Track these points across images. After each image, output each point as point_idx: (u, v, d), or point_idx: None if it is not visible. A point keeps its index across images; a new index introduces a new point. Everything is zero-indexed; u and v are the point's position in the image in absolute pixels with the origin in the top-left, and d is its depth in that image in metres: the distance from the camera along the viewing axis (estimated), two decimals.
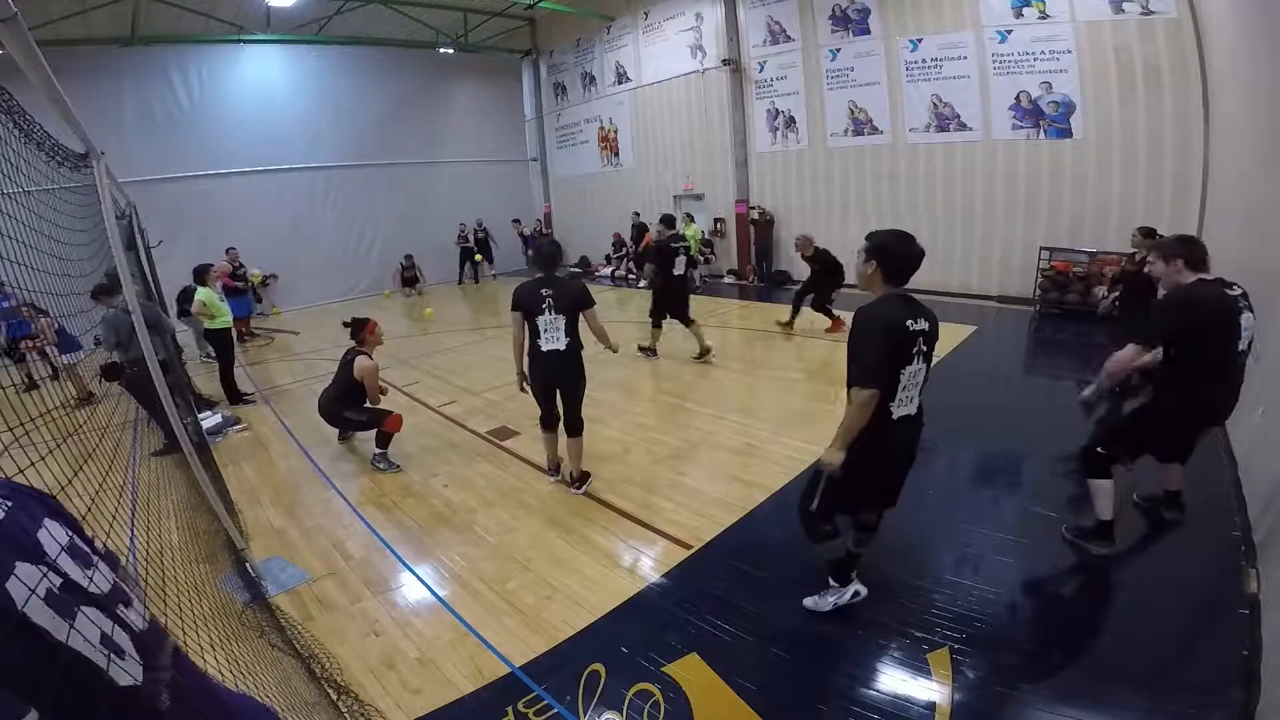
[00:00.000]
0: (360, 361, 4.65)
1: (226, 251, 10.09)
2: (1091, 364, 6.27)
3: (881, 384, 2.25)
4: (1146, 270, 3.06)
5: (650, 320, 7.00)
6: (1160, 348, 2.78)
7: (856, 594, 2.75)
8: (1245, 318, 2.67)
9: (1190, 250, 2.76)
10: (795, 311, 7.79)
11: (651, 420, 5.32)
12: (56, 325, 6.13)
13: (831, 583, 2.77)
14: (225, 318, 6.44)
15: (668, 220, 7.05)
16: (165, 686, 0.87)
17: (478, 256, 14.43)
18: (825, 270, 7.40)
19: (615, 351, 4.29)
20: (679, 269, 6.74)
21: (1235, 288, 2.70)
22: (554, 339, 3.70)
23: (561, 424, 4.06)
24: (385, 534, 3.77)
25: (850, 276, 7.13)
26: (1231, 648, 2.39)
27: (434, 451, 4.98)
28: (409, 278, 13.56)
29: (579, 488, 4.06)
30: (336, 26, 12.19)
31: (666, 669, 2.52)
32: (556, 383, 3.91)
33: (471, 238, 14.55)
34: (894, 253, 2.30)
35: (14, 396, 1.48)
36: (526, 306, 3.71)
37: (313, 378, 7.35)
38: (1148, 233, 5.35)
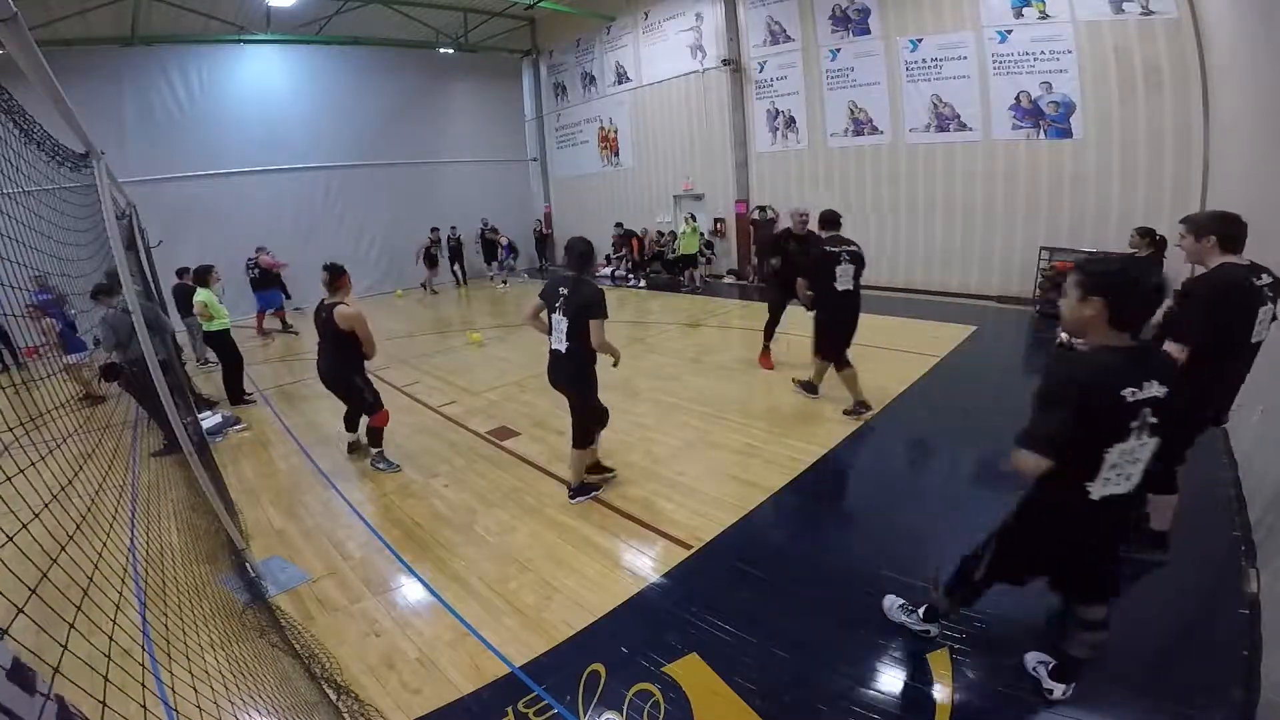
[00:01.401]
0: (341, 309, 4.22)
1: (257, 250, 10.69)
2: None
3: (1056, 457, 1.76)
4: (1178, 246, 2.71)
5: (814, 353, 5.34)
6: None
7: (928, 632, 2.57)
8: (1264, 310, 2.45)
9: (1225, 228, 2.47)
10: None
11: (651, 420, 5.32)
12: (60, 327, 6.15)
13: (919, 613, 2.59)
14: (224, 319, 6.44)
15: (830, 219, 5.01)
16: None
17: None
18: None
19: (614, 363, 3.79)
20: (844, 282, 4.86)
21: (1264, 276, 2.48)
22: (558, 339, 3.65)
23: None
24: (385, 534, 3.77)
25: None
26: (1231, 648, 2.39)
27: (434, 451, 4.98)
28: (432, 255, 13.36)
29: (572, 497, 3.97)
30: (336, 26, 12.20)
31: (666, 669, 2.52)
32: (556, 384, 3.85)
33: (474, 238, 14.55)
34: (1129, 289, 1.71)
35: (22, 393, 1.48)
36: (546, 298, 3.70)
37: (313, 377, 7.33)
38: (1145, 233, 5.35)
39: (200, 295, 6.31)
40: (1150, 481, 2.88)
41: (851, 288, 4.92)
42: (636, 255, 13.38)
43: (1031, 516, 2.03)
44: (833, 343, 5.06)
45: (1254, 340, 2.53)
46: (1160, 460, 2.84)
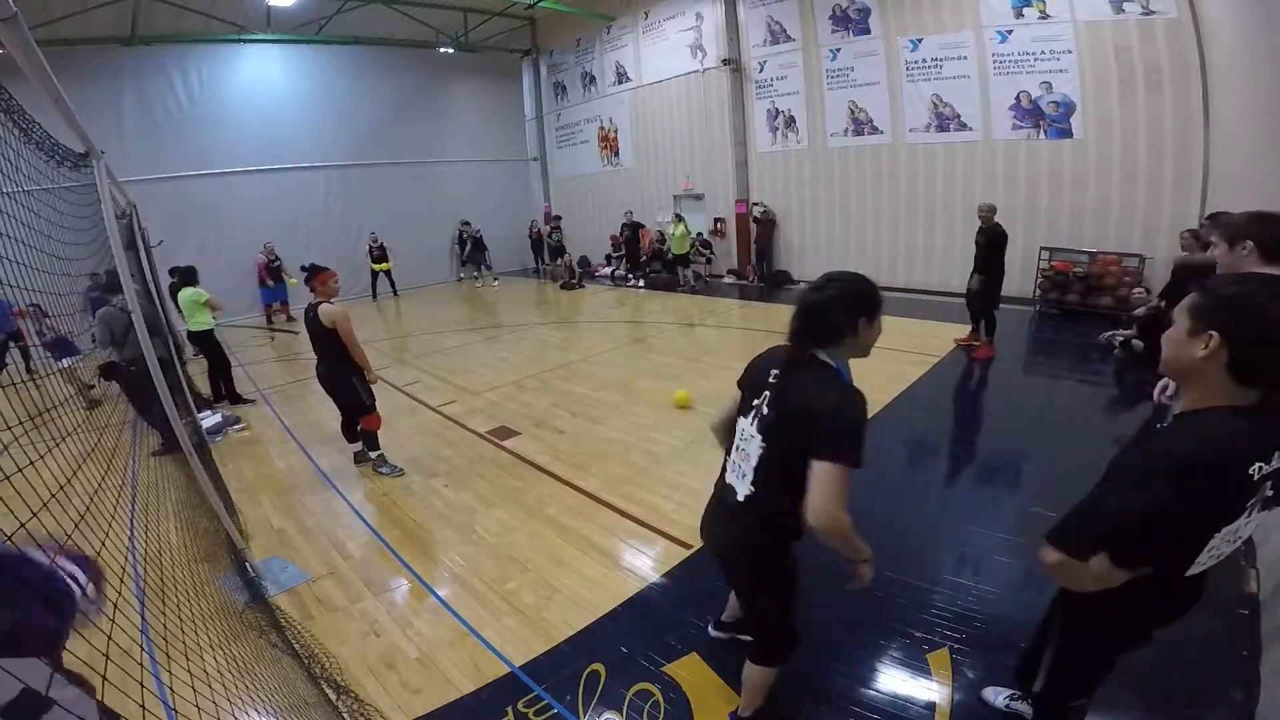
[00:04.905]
0: (325, 308, 4.16)
1: (264, 245, 11.41)
2: (1089, 364, 6.28)
3: (1142, 564, 1.37)
4: (1209, 253, 2.25)
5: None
6: None
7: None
8: None
9: (1268, 231, 1.95)
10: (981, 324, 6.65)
11: (651, 420, 5.32)
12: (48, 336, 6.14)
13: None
14: (207, 320, 6.38)
15: None
16: None
17: (378, 265, 13.17)
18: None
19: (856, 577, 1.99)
20: None
21: None
22: (738, 469, 1.88)
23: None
24: (385, 534, 3.77)
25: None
26: (1231, 648, 2.39)
27: (434, 451, 4.98)
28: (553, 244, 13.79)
29: None
30: (336, 26, 12.20)
31: (666, 669, 2.52)
32: (715, 545, 2.04)
33: (457, 238, 14.68)
34: (1264, 326, 1.17)
35: (21, 393, 1.48)
36: (747, 384, 1.91)
37: (312, 377, 7.33)
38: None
39: (189, 293, 6.25)
40: None
41: None
42: (646, 248, 13.32)
43: (1091, 625, 1.67)
44: None
45: None
46: None
